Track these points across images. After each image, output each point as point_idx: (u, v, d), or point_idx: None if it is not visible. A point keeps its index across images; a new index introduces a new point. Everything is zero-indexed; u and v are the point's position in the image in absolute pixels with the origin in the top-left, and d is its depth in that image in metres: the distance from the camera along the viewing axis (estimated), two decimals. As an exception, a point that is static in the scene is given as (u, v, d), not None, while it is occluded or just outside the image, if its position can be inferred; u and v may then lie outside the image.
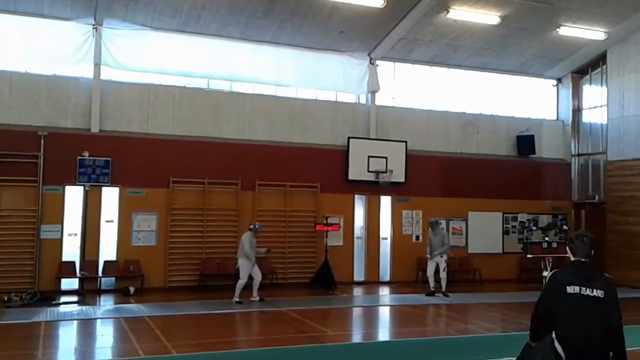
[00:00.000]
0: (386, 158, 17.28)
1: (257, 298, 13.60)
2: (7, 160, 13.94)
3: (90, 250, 14.67)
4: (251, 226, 13.95)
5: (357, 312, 13.59)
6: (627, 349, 4.48)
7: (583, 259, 4.72)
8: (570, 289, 4.56)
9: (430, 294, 14.85)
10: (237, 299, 13.24)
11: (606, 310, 4.49)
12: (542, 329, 4.75)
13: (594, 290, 4.52)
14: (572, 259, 4.78)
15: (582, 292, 4.53)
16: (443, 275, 14.92)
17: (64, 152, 14.37)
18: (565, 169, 20.31)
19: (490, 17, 16.13)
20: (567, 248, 4.86)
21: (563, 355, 4.54)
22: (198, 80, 16.39)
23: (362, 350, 9.51)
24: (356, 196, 17.39)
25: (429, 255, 15.10)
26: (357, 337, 11.25)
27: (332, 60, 17.29)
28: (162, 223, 15.24)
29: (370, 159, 17.20)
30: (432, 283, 15.02)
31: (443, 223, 17.22)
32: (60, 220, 14.43)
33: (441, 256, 14.87)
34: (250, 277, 13.57)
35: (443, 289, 14.86)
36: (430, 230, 15.34)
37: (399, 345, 9.84)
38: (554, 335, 4.60)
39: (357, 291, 15.98)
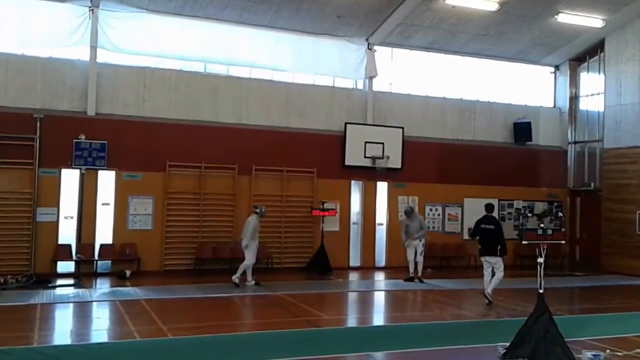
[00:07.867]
0: (383, 144, 17.30)
1: (253, 282, 13.64)
2: (3, 143, 13.91)
3: (86, 233, 14.70)
4: (257, 210, 13.85)
5: (352, 296, 13.65)
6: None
7: (489, 214, 12.07)
8: (482, 225, 11.99)
9: (410, 279, 14.79)
10: (237, 280, 13.27)
11: (495, 233, 11.77)
12: (473, 236, 12.37)
13: (489, 225, 11.88)
14: (485, 214, 12.13)
15: (485, 227, 11.91)
16: (420, 259, 14.83)
17: (60, 135, 14.35)
18: (562, 156, 20.36)
19: (488, 3, 16.06)
20: (485, 210, 12.16)
21: (480, 247, 12.04)
22: (195, 63, 16.33)
23: (357, 334, 9.56)
24: (352, 182, 17.44)
25: (406, 243, 14.93)
26: (352, 321, 11.31)
27: (330, 45, 17.22)
28: (159, 207, 15.26)
29: (367, 144, 17.21)
30: (411, 268, 14.88)
31: (442, 208, 17.16)
32: (56, 203, 14.45)
33: (420, 240, 14.79)
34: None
35: (419, 275, 14.80)
36: (405, 217, 15.18)
37: (394, 330, 9.91)
38: (478, 240, 12.20)
39: (353, 276, 16.06)
